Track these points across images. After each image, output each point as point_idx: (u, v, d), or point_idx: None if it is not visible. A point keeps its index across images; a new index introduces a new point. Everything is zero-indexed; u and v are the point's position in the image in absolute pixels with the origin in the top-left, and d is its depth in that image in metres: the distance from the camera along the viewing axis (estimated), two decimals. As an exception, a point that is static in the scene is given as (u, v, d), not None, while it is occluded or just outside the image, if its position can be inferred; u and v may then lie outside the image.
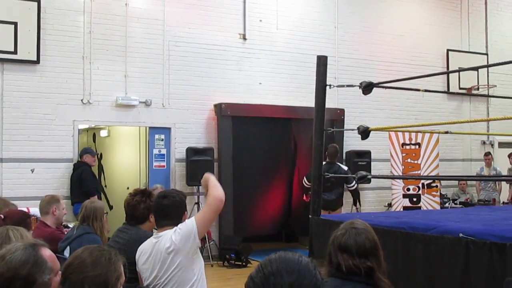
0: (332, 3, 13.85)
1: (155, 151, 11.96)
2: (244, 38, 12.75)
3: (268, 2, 13.04)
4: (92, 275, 2.61)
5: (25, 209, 6.11)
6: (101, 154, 14.16)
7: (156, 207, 4.39)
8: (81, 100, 11.16)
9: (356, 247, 3.22)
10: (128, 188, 11.23)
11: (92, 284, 2.60)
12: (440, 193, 14.05)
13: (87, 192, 10.16)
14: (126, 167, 13.52)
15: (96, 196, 10.13)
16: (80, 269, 2.63)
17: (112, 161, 14.18)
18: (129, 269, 3.54)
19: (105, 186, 13.40)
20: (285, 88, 13.03)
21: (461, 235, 5.03)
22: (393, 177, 10.87)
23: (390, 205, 13.12)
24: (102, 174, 13.91)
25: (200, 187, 11.52)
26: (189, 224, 4.04)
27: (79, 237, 5.57)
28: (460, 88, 14.98)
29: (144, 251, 4.26)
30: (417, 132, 12.70)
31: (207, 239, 11.26)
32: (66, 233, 6.12)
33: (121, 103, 11.44)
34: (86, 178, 10.58)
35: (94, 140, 14.54)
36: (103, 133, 14.23)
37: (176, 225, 4.15)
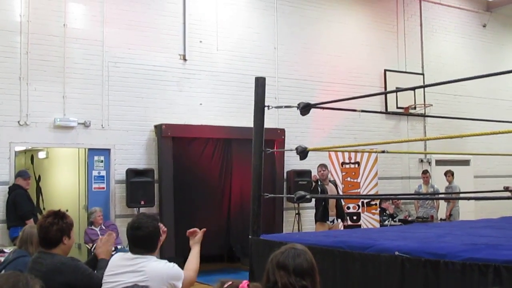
0: (271, 24, 13.99)
1: (95, 173, 11.80)
2: (184, 59, 12.74)
3: (208, 23, 13.08)
4: None
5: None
6: (39, 176, 13.88)
7: (131, 238, 4.36)
8: (18, 122, 10.93)
9: (293, 265, 3.25)
10: (67, 210, 11.01)
11: None
12: (380, 210, 14.28)
13: (22, 216, 9.90)
14: (65, 189, 13.28)
15: (32, 220, 9.76)
16: None
17: (51, 183, 13.92)
18: None
19: (44, 208, 13.12)
20: (226, 109, 13.06)
21: (396, 253, 5.11)
22: (332, 197, 10.97)
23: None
24: (40, 196, 13.64)
25: (140, 208, 11.39)
26: (179, 273, 4.28)
27: (14, 260, 5.45)
28: (397, 108, 15.28)
29: (113, 265, 4.31)
30: (355, 151, 12.90)
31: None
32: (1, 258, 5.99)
33: (59, 125, 11.26)
34: (20, 202, 10.27)
35: (32, 162, 14.25)
36: (41, 155, 13.98)
37: (152, 251, 4.27)
